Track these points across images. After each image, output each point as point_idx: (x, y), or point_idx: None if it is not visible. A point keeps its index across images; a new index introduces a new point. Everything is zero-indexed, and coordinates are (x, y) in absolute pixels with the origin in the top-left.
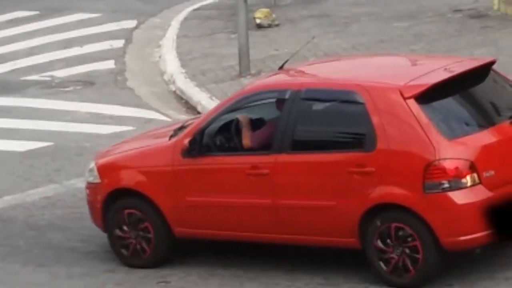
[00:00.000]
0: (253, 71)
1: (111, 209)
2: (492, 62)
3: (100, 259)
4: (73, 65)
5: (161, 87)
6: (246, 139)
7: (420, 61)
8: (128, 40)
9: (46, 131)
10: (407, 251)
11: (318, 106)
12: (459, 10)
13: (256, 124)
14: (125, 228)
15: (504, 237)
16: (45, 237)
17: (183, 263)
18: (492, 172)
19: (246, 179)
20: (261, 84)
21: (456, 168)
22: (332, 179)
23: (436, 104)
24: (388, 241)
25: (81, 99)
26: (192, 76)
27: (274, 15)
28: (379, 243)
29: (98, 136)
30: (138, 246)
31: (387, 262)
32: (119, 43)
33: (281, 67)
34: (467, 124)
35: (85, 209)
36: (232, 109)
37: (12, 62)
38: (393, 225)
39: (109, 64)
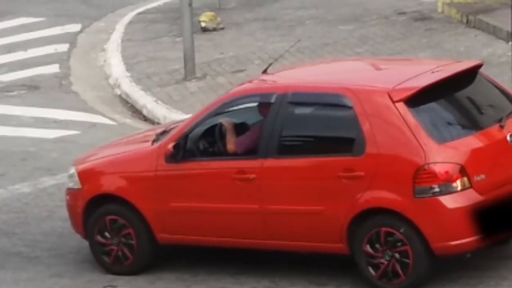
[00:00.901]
0: (198, 75)
1: (93, 215)
2: (479, 66)
3: (46, 264)
4: (17, 69)
5: (106, 91)
6: (231, 144)
7: (408, 64)
8: (73, 44)
9: None
10: (397, 256)
11: (305, 110)
12: (403, 13)
13: (240, 128)
14: (107, 234)
15: (490, 240)
16: None
17: None
18: (483, 176)
19: (232, 184)
20: (245, 88)
21: (446, 172)
22: (320, 184)
23: (425, 107)
24: (378, 246)
25: (26, 103)
26: (137, 80)
27: (219, 19)
28: (368, 248)
29: (43, 140)
30: (120, 253)
31: (376, 267)
32: (63, 47)
33: (265, 71)
34: (456, 128)
35: (30, 214)
36: (217, 113)
37: None
38: (383, 230)
39: (54, 68)
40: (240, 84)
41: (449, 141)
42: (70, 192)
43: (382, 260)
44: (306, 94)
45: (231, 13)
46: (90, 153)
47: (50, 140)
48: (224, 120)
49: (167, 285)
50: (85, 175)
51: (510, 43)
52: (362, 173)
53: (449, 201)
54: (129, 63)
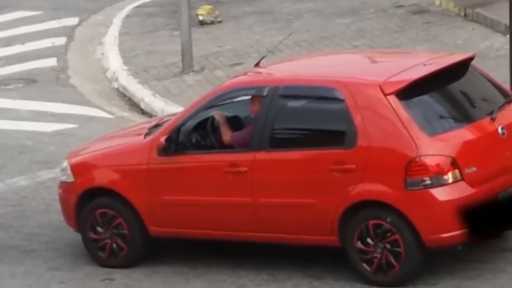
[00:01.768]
0: (196, 68)
1: (85, 209)
2: (471, 58)
3: (43, 258)
4: (14, 63)
5: (104, 85)
6: (227, 136)
7: (400, 57)
8: (70, 38)
9: None
10: (390, 248)
11: (296, 103)
12: (401, 6)
13: (233, 121)
14: (99, 229)
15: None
16: None
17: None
18: (474, 168)
19: (224, 177)
20: (238, 81)
21: (438, 164)
22: (311, 176)
23: (416, 100)
24: (369, 239)
25: (23, 97)
26: (135, 73)
27: (216, 12)
28: (360, 243)
29: (40, 134)
30: (114, 245)
31: (369, 261)
32: (61, 41)
33: (257, 64)
34: (448, 120)
35: (28, 207)
36: (209, 106)
37: None
38: (374, 222)
39: (51, 61)
40: (232, 77)
41: (441, 134)
42: (63, 185)
43: (375, 254)
44: (297, 87)
45: (229, 6)
46: (83, 146)
47: (48, 134)
48: (216, 113)
49: (165, 279)
50: (77, 169)
51: (507, 36)
52: (354, 166)
53: (440, 194)
54: (127, 57)
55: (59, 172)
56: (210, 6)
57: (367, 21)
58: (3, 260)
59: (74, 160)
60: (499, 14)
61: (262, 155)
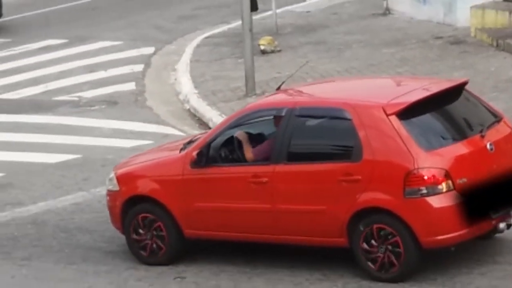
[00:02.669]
0: (258, 92)
1: (129, 214)
2: (465, 83)
3: (122, 258)
4: (98, 87)
5: (177, 106)
6: (249, 154)
7: (401, 82)
8: (147, 65)
9: (75, 145)
10: (391, 249)
11: (310, 122)
12: (440, 37)
13: (255, 138)
14: (141, 230)
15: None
16: (75, 239)
17: (196, 261)
18: (465, 179)
19: (248, 186)
20: (260, 103)
21: (433, 176)
22: (323, 186)
23: (415, 119)
24: (373, 241)
25: (106, 116)
26: (204, 96)
27: (276, 42)
28: (365, 244)
29: (120, 149)
30: (154, 246)
31: (373, 260)
32: (139, 67)
33: (278, 88)
34: (442, 137)
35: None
36: (235, 125)
37: (44, 85)
38: (377, 226)
39: (130, 86)
40: (256, 101)
41: (436, 149)
42: (110, 193)
43: (378, 254)
44: (311, 109)
45: (287, 37)
46: (128, 159)
47: (127, 149)
48: (238, 133)
49: (230, 277)
50: (122, 179)
51: None
52: (360, 177)
53: (435, 201)
54: (197, 81)
55: (107, 182)
56: (270, 37)
57: (410, 50)
58: (88, 260)
59: (120, 171)
60: None
61: (280, 168)
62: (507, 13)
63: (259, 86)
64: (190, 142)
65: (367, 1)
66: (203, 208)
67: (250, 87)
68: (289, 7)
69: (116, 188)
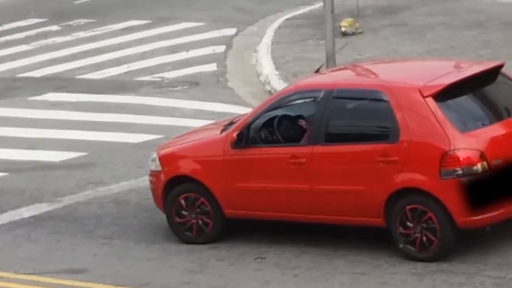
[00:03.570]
0: None
1: (171, 194)
2: (501, 66)
3: None
4: (180, 67)
5: (258, 87)
6: None
7: (439, 64)
8: (229, 46)
9: (157, 125)
10: (426, 230)
11: (348, 104)
12: None
13: (293, 120)
14: (184, 212)
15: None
16: (157, 218)
17: (278, 242)
18: (500, 160)
19: (287, 167)
20: (299, 85)
21: (468, 157)
22: (361, 167)
23: (451, 101)
24: (410, 221)
25: (187, 97)
26: (285, 77)
27: (357, 24)
28: (402, 223)
29: None
30: (200, 223)
31: (411, 240)
32: (220, 49)
33: (317, 71)
34: (477, 119)
35: None
36: (275, 107)
37: (127, 65)
38: (414, 207)
39: (212, 67)
40: (295, 82)
41: (471, 131)
42: (153, 173)
43: (416, 234)
44: (349, 91)
45: (368, 19)
46: (170, 140)
47: None
48: None
49: (310, 259)
50: (164, 159)
51: None
52: (397, 158)
53: (471, 182)
54: (278, 63)
55: (150, 162)
56: (351, 19)
57: (492, 33)
58: (170, 239)
59: (162, 152)
60: None
61: (318, 149)
62: None
63: None
64: (231, 123)
65: None
66: (243, 188)
67: None
68: None
69: (159, 168)
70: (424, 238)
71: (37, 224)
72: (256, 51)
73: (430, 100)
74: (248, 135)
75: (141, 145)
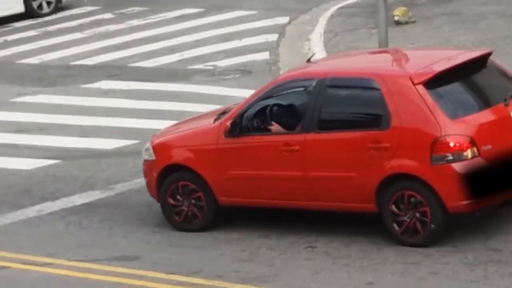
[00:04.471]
0: None
1: (165, 182)
2: (489, 54)
3: (255, 226)
4: (232, 56)
5: None
6: None
7: (429, 53)
8: (281, 35)
9: None
10: (417, 214)
11: (340, 92)
12: None
13: (286, 108)
14: (178, 197)
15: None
16: None
17: (327, 231)
18: (490, 146)
19: (280, 154)
20: (292, 74)
21: (459, 143)
22: (353, 153)
23: (441, 89)
24: (401, 206)
25: (240, 85)
26: None
27: (410, 13)
28: (394, 208)
29: None
30: (192, 211)
31: (400, 224)
32: (273, 37)
33: (308, 60)
34: (467, 106)
35: None
36: (267, 96)
37: (179, 53)
38: (405, 192)
39: (264, 55)
40: (287, 71)
41: (461, 117)
42: (147, 163)
43: (405, 218)
44: (341, 79)
45: (422, 8)
46: (164, 130)
47: None
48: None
49: (360, 248)
50: (158, 149)
51: None
52: (388, 144)
53: (461, 167)
54: (331, 52)
55: (143, 152)
56: (405, 8)
57: None
58: (220, 227)
59: (156, 141)
60: None
61: (311, 136)
62: None
63: None
64: (224, 112)
65: None
66: (236, 176)
67: None
68: None
69: (152, 157)
70: (416, 223)
71: (89, 212)
72: (308, 39)
73: (420, 88)
74: (242, 124)
75: None
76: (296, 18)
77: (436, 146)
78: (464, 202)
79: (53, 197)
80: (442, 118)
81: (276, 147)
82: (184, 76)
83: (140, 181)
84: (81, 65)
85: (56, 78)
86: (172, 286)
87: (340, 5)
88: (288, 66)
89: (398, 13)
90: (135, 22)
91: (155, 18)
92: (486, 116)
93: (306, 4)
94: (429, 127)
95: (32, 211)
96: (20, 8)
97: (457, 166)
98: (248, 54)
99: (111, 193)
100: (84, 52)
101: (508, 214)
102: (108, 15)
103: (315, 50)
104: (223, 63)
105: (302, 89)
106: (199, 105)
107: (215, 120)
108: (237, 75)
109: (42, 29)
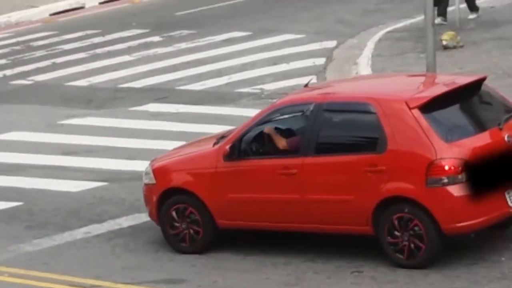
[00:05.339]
0: None
1: (164, 205)
2: (483, 79)
3: (300, 250)
4: (280, 79)
5: None
6: (281, 142)
7: (425, 78)
8: (329, 58)
9: None
10: (414, 237)
11: (337, 116)
12: None
13: (284, 133)
14: (176, 223)
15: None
16: (250, 231)
17: (374, 255)
18: None
19: (278, 178)
20: (290, 99)
21: (453, 166)
22: (350, 177)
23: (436, 113)
24: (397, 228)
25: None
26: None
27: (459, 38)
28: (390, 230)
29: None
30: (190, 233)
31: (396, 245)
32: (320, 61)
33: (306, 85)
34: (462, 129)
35: None
36: (266, 120)
37: (227, 76)
38: (401, 215)
39: (312, 79)
40: (285, 96)
41: (456, 141)
42: (147, 187)
43: (404, 242)
44: (338, 103)
45: (470, 33)
46: (164, 154)
47: None
48: (266, 128)
49: (407, 273)
50: (158, 172)
51: None
52: (384, 168)
53: (455, 190)
54: None
55: (143, 176)
56: (453, 32)
57: None
58: (266, 251)
59: (156, 165)
60: None
61: (309, 160)
62: None
63: None
64: (223, 137)
65: None
66: (235, 199)
67: None
68: None
69: (153, 181)
70: (412, 245)
71: (136, 234)
72: (356, 63)
73: (416, 112)
74: (240, 148)
75: None
76: (344, 42)
77: (431, 169)
78: (460, 224)
79: (100, 220)
80: (437, 142)
81: (274, 171)
82: (232, 99)
83: None
84: (129, 88)
85: (104, 101)
86: None
87: (388, 29)
88: None
89: (446, 37)
90: (183, 45)
91: (203, 41)
92: (480, 139)
93: (354, 28)
94: (424, 151)
95: (79, 233)
96: None
97: (452, 189)
98: (295, 78)
99: None
100: (132, 74)
101: None
102: (156, 38)
103: (363, 74)
104: (270, 86)
105: (300, 113)
106: None
107: (214, 144)
108: None
109: (91, 52)
